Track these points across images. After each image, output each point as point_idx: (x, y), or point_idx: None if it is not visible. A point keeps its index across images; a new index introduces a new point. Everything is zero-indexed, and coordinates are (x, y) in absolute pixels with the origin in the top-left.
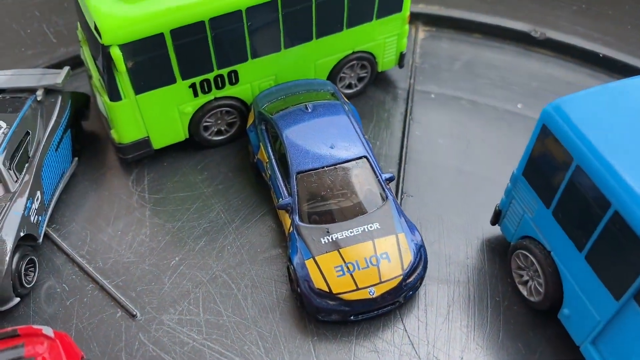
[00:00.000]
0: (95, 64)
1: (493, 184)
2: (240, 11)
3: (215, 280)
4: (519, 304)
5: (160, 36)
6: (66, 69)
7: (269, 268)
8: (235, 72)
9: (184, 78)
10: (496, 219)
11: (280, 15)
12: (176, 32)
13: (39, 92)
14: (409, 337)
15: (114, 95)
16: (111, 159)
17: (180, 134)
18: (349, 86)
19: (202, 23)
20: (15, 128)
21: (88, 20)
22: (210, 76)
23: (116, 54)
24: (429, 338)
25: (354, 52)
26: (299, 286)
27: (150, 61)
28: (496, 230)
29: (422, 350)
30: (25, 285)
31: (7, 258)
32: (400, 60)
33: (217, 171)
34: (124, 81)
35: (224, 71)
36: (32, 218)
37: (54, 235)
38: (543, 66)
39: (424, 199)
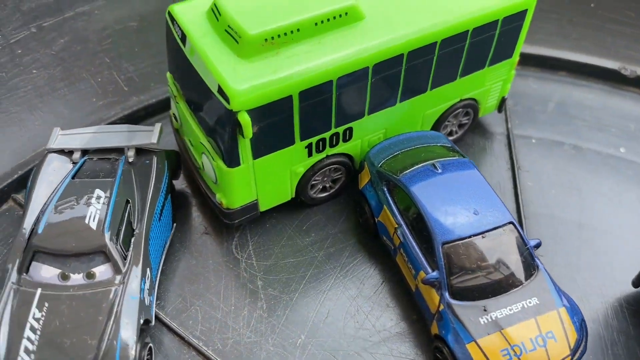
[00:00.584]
0: (206, 126)
1: (617, 238)
2: (367, 68)
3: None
4: None
5: (288, 99)
6: (158, 125)
7: (404, 345)
8: (351, 129)
9: (302, 139)
10: None
11: (403, 69)
12: (304, 94)
13: (130, 153)
14: None
15: (233, 161)
16: (208, 222)
17: (287, 194)
18: (450, 133)
19: (329, 83)
20: (115, 197)
21: (206, 81)
22: (326, 135)
23: (245, 119)
24: None
25: (461, 100)
26: None
27: (273, 125)
28: (636, 291)
29: None
30: None
31: (134, 352)
32: (501, 105)
33: (324, 232)
34: (245, 147)
35: (340, 129)
36: (146, 300)
37: (162, 314)
38: (636, 105)
39: (553, 259)
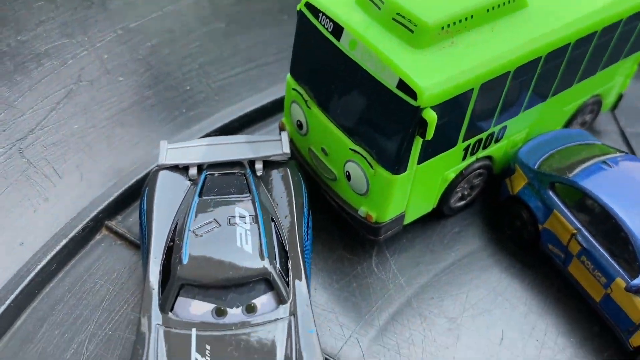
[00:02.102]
0: (362, 129)
1: None
2: (539, 58)
3: None
4: None
5: (468, 93)
6: (285, 134)
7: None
8: (505, 127)
9: (464, 139)
10: None
11: (565, 59)
12: (484, 87)
13: (259, 166)
14: None
15: (401, 167)
16: (340, 239)
17: (432, 204)
18: None
19: (506, 75)
20: (262, 215)
21: (379, 76)
22: (484, 135)
23: (431, 117)
24: None
25: (592, 96)
26: None
27: (447, 123)
28: None
29: None
30: None
31: None
32: (618, 101)
33: (471, 244)
34: (416, 150)
35: (497, 128)
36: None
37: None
38: None
39: None
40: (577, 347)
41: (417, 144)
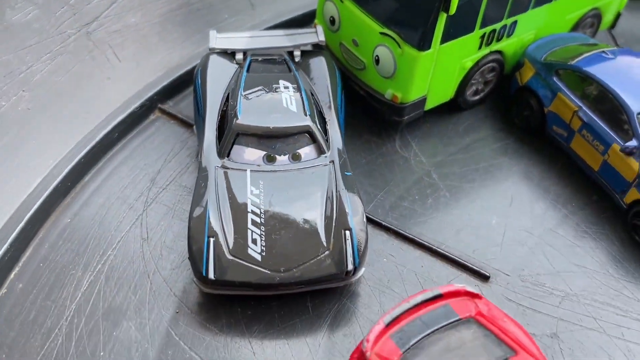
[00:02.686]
0: (392, 12)
1: None
2: None
3: (544, 236)
4: None
5: None
6: (320, 27)
7: (591, 219)
8: (515, 22)
9: (482, 26)
10: None
11: None
12: None
13: (297, 53)
14: None
15: (426, 43)
16: (368, 126)
17: (449, 93)
18: None
19: None
20: (303, 86)
21: None
22: (497, 26)
23: None
24: None
25: (592, 9)
26: None
27: (466, 5)
28: None
29: None
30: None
31: (366, 229)
32: (616, 21)
33: (481, 133)
34: (440, 27)
35: (509, 21)
36: None
37: None
38: None
39: None
40: (578, 209)
41: (441, 20)
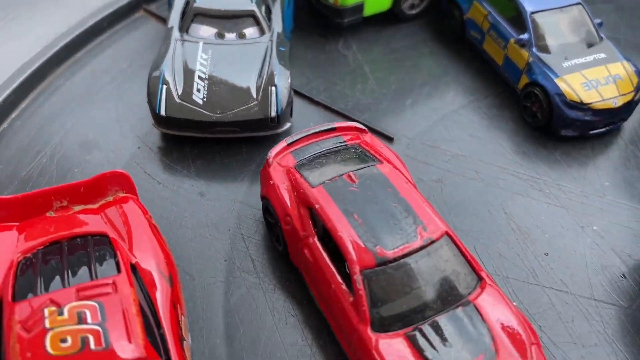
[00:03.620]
0: None
1: None
2: None
3: (448, 115)
4: None
5: None
6: None
7: (492, 103)
8: None
9: None
10: None
11: None
12: None
13: None
14: None
15: None
16: (316, 27)
17: (385, 3)
18: None
19: None
20: None
21: None
22: None
23: None
24: None
25: None
26: (551, 101)
27: None
28: None
29: None
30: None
31: (289, 88)
32: None
33: (415, 39)
34: None
35: None
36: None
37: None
38: None
39: None
40: (483, 97)
41: None
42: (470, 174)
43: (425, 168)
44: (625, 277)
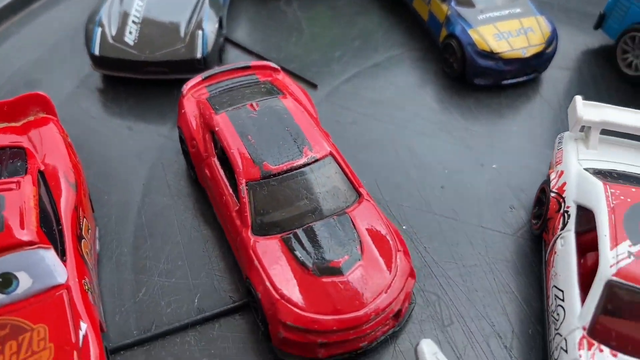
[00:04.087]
0: None
1: None
2: None
3: (370, 67)
4: None
5: None
6: None
7: (421, 57)
8: None
9: None
10: (599, 23)
11: None
12: None
13: None
14: None
15: None
16: None
17: None
18: None
19: None
20: None
21: None
22: None
23: None
24: None
25: None
26: (464, 51)
27: None
28: None
29: None
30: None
31: (217, 33)
32: None
33: (355, 2)
34: None
35: None
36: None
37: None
38: None
39: None
40: (408, 51)
41: None
42: (384, 118)
43: (344, 112)
44: (513, 208)
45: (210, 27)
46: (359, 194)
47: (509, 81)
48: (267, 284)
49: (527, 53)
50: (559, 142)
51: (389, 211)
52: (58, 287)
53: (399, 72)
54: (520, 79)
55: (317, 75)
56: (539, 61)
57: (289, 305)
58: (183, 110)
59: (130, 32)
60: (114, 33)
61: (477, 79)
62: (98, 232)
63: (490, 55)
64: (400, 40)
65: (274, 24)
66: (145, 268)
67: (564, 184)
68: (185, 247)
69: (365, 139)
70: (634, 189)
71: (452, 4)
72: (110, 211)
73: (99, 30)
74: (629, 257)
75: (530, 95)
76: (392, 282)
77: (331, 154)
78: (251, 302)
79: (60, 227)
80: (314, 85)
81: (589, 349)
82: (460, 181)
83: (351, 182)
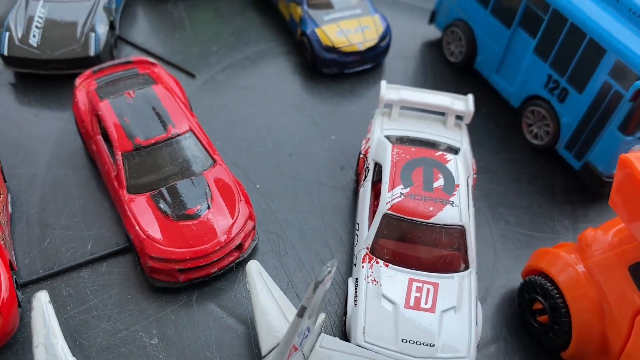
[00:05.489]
0: None
1: None
2: None
3: (245, 60)
4: None
5: None
6: None
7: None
8: None
9: None
10: (432, 18)
11: None
12: None
13: None
14: None
15: None
16: None
17: None
18: None
19: None
20: None
21: None
22: None
23: None
24: None
25: None
26: (312, 47)
27: None
28: None
29: None
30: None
31: (107, 35)
32: None
33: (234, 2)
34: None
35: None
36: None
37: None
38: None
39: None
40: (275, 46)
41: None
42: (250, 101)
43: (217, 97)
44: (343, 169)
45: (101, 29)
46: (214, 160)
47: (351, 70)
48: (137, 228)
49: (363, 47)
50: (371, 117)
51: (247, 174)
52: None
53: (265, 63)
54: (360, 68)
55: (196, 67)
56: (375, 53)
57: (153, 242)
58: (76, 99)
59: (34, 35)
60: (19, 36)
61: (324, 69)
62: (10, 197)
63: (333, 49)
64: (269, 37)
65: (161, 23)
66: (49, 224)
67: (369, 147)
68: (80, 208)
69: (232, 118)
70: (413, 149)
71: (305, 7)
72: (21, 181)
73: (7, 34)
74: (400, 196)
75: (369, 81)
76: (234, 223)
77: (191, 129)
78: (131, 246)
79: None
80: (192, 75)
81: (369, 262)
82: (306, 150)
83: (207, 151)
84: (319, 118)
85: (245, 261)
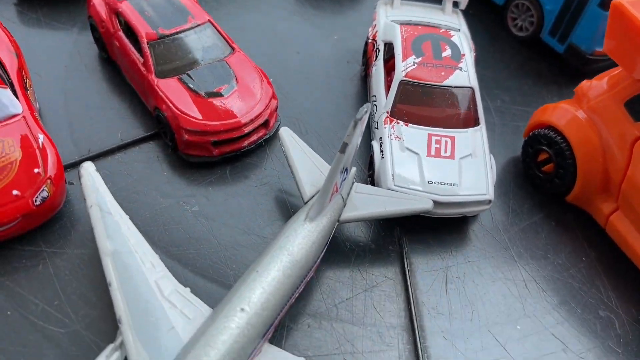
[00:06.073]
0: None
1: None
2: None
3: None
4: None
5: None
6: None
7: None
8: None
9: None
10: None
11: None
12: None
13: None
14: None
15: None
16: None
17: None
18: None
19: None
20: None
21: None
22: None
23: None
24: None
25: None
26: None
27: None
28: None
29: None
30: None
31: None
32: None
33: None
34: None
35: None
36: None
37: None
38: None
39: None
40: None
41: None
42: (252, 9)
43: (220, 6)
44: (349, 62)
45: None
46: (233, 49)
47: None
48: (170, 105)
49: None
50: (374, 8)
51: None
52: (17, 115)
53: None
54: None
55: None
56: None
57: (187, 117)
58: (92, 3)
59: None
60: None
61: None
62: (35, 95)
63: None
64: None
65: None
66: (77, 115)
67: (376, 32)
68: (104, 102)
69: (239, 25)
70: (420, 27)
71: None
72: (42, 86)
73: None
74: (413, 65)
75: None
76: (259, 100)
77: (209, 20)
78: (160, 130)
79: (10, 80)
80: None
81: (390, 123)
82: (311, 48)
83: (226, 40)
84: (319, 22)
85: (270, 139)
